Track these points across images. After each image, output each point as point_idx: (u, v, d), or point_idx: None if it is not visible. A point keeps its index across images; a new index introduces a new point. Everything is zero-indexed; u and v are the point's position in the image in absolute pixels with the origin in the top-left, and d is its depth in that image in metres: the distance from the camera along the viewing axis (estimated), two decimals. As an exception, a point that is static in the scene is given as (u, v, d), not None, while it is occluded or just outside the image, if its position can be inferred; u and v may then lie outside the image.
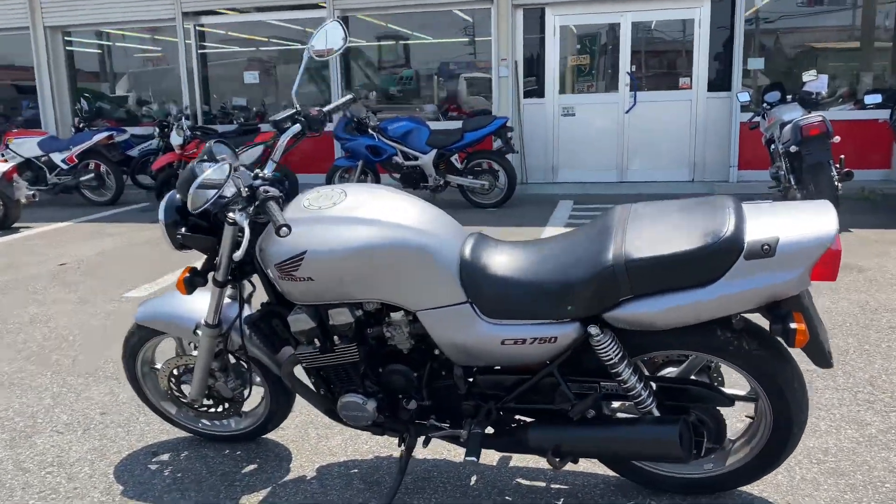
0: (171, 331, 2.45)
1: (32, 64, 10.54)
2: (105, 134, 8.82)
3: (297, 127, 2.22)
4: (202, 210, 2.12)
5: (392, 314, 2.10)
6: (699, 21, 8.67)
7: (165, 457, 2.66)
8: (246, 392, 2.52)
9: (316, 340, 2.14)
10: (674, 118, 8.95)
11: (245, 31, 10.19)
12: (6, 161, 8.62)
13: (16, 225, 7.49)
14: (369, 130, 7.79)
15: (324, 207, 2.06)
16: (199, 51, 10.27)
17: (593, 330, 1.91)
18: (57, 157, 8.69)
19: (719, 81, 8.79)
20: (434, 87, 9.66)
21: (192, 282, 2.15)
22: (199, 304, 2.44)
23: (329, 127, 9.41)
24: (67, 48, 10.78)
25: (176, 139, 8.44)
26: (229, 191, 2.05)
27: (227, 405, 2.61)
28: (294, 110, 2.24)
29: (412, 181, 7.86)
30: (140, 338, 2.54)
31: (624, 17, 8.87)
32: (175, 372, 2.57)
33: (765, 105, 7.06)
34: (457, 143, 7.57)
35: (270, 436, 2.79)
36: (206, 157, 2.13)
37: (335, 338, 2.14)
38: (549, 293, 1.93)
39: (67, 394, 3.24)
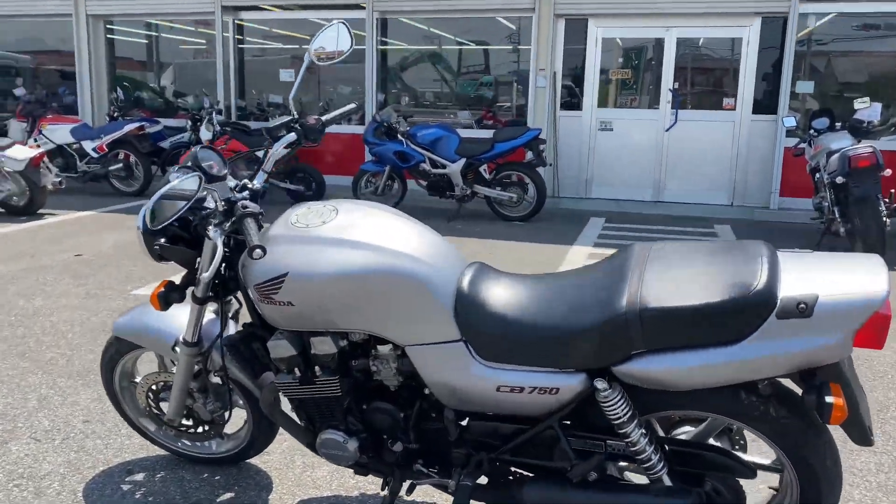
0: (150, 345, 2.29)
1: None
2: (136, 124, 8.80)
3: (293, 136, 2.05)
4: (182, 222, 1.97)
5: (379, 347, 1.91)
6: (748, 40, 8.35)
7: (140, 476, 2.50)
8: (226, 415, 2.35)
9: (297, 370, 1.96)
10: (715, 139, 8.63)
11: (285, 28, 10.13)
12: (38, 146, 8.67)
13: (41, 211, 7.49)
14: (398, 136, 7.63)
15: (311, 226, 1.88)
16: (238, 45, 10.24)
17: (600, 384, 1.70)
18: (88, 146, 8.69)
19: (765, 104, 8.46)
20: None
21: (167, 297, 1.98)
22: (182, 318, 2.28)
23: (358, 130, 9.29)
24: (109, 37, 10.85)
25: (205, 134, 8.39)
26: (211, 202, 1.89)
27: (207, 427, 2.44)
28: (290, 118, 2.07)
29: (439, 189, 7.68)
30: (118, 350, 2.39)
31: (669, 33, 8.59)
32: (154, 388, 2.42)
33: (812, 132, 6.73)
34: (486, 153, 7.37)
35: (254, 461, 2.61)
36: (189, 164, 1.97)
37: (317, 368, 1.95)
38: (552, 338, 1.72)
39: (54, 397, 3.11)
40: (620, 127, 8.90)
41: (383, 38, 9.70)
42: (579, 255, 5.94)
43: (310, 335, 1.92)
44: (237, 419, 2.54)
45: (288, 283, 1.81)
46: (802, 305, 1.52)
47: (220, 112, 9.89)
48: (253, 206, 1.82)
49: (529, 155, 7.52)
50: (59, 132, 8.75)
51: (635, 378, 1.67)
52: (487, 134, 8.63)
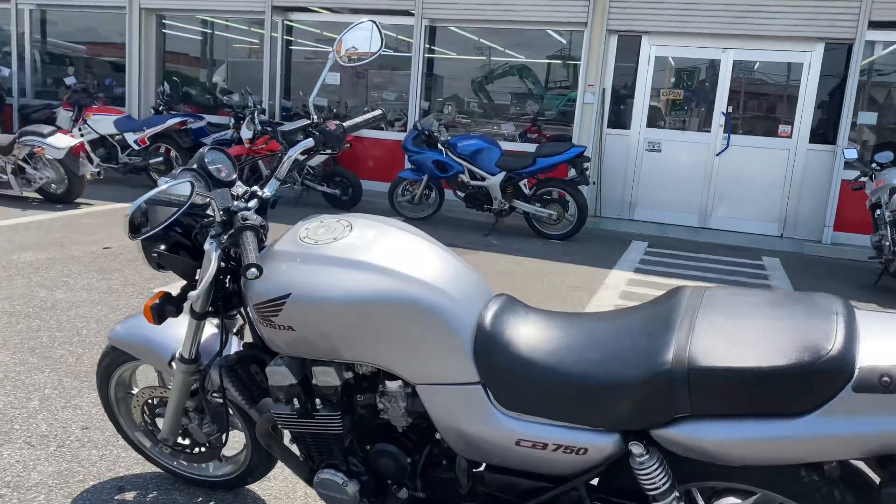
0: (145, 358, 2.13)
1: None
2: (178, 119, 8.79)
3: (310, 142, 1.86)
4: (184, 229, 1.80)
5: (388, 382, 1.71)
6: (808, 66, 7.98)
7: (131, 495, 2.33)
8: (224, 438, 2.17)
9: (296, 400, 1.77)
10: (768, 167, 8.27)
11: (334, 31, 10.06)
12: (82, 136, 8.72)
13: (78, 200, 7.49)
14: (439, 145, 7.45)
15: (321, 242, 1.69)
16: (286, 46, 10.20)
17: (636, 449, 1.47)
18: (130, 137, 8.71)
19: (823, 133, 8.07)
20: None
21: (161, 310, 1.80)
22: (182, 331, 2.11)
23: (399, 137, 9.14)
24: (164, 31, 10.93)
25: (246, 133, 8.33)
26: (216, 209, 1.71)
27: (204, 448, 2.27)
28: (308, 121, 1.89)
29: (476, 202, 7.48)
30: (113, 360, 2.23)
31: (726, 54, 8.26)
32: (150, 402, 2.25)
33: (874, 165, 6.36)
34: (527, 167, 7.14)
35: (253, 487, 2.43)
36: (195, 167, 1.80)
37: (318, 401, 1.76)
38: (584, 391, 1.50)
39: (57, 398, 2.98)
40: (669, 148, 8.59)
41: (430, 46, 9.56)
42: (619, 280, 5.68)
43: (312, 363, 1.73)
44: (237, 442, 2.36)
45: (289, 305, 1.63)
46: (886, 379, 1.28)
47: (262, 112, 9.84)
48: (253, 219, 1.63)
49: (572, 172, 7.27)
50: (103, 122, 8.78)
51: (678, 446, 1.44)
52: (530, 148, 8.42)
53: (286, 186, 8.53)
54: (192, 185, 1.56)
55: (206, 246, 1.66)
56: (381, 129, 9.66)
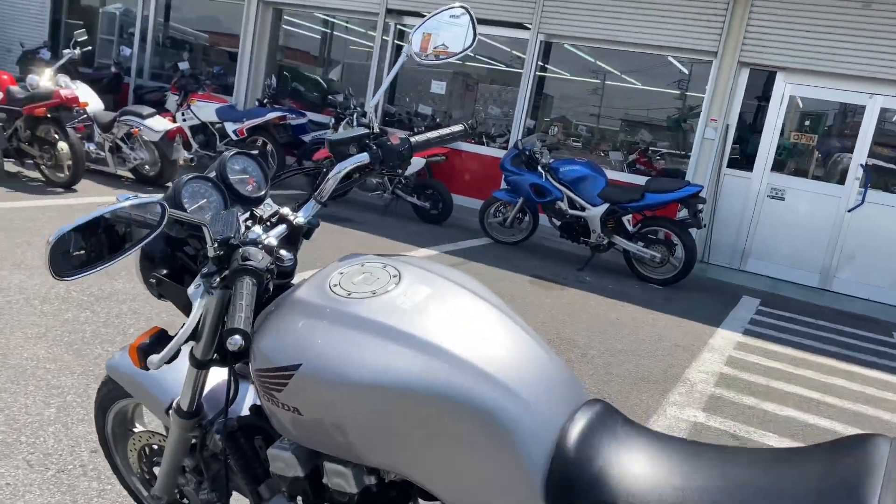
0: (141, 398, 1.74)
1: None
2: (278, 114, 8.67)
3: (363, 157, 1.42)
4: (187, 250, 1.40)
5: (422, 501, 1.23)
6: (974, 121, 7.00)
7: (117, 551, 1.96)
8: (225, 507, 1.75)
9: (301, 499, 1.33)
10: (910, 230, 7.31)
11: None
12: (184, 120, 8.74)
13: (169, 184, 7.42)
14: (539, 168, 6.94)
15: (355, 295, 1.24)
16: (397, 50, 9.97)
17: None
18: (229, 127, 8.65)
19: (983, 199, 7.06)
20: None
21: (149, 353, 1.40)
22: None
23: (499, 154, 8.68)
24: (283, 26, 10.96)
25: (374, 122, 8.09)
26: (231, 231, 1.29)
27: (204, 512, 1.86)
28: (365, 131, 1.45)
29: (573, 233, 6.91)
30: (111, 391, 1.86)
31: (872, 101, 7.37)
32: (149, 447, 1.87)
33: None
34: (634, 202, 6.52)
35: (261, 561, 2.01)
36: (215, 173, 1.39)
37: (329, 505, 1.31)
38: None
39: (76, 409, 2.67)
40: (794, 197, 7.75)
41: (543, 64, 9.07)
42: (725, 342, 4.99)
43: (326, 457, 1.28)
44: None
45: (298, 380, 1.18)
46: None
47: (363, 114, 9.64)
48: (257, 259, 1.18)
49: (683, 213, 6.60)
50: (206, 110, 8.77)
51: None
52: (639, 180, 7.78)
53: (376, 194, 8.23)
54: (163, 207, 1.13)
55: (190, 290, 1.24)
56: (481, 143, 9.25)
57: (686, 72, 8.57)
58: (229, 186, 1.38)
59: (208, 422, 1.60)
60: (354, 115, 8.35)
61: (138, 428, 1.95)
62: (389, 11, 9.70)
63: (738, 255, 7.96)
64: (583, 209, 6.74)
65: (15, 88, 6.56)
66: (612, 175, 7.58)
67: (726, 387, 4.08)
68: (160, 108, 9.04)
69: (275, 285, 1.40)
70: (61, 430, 2.50)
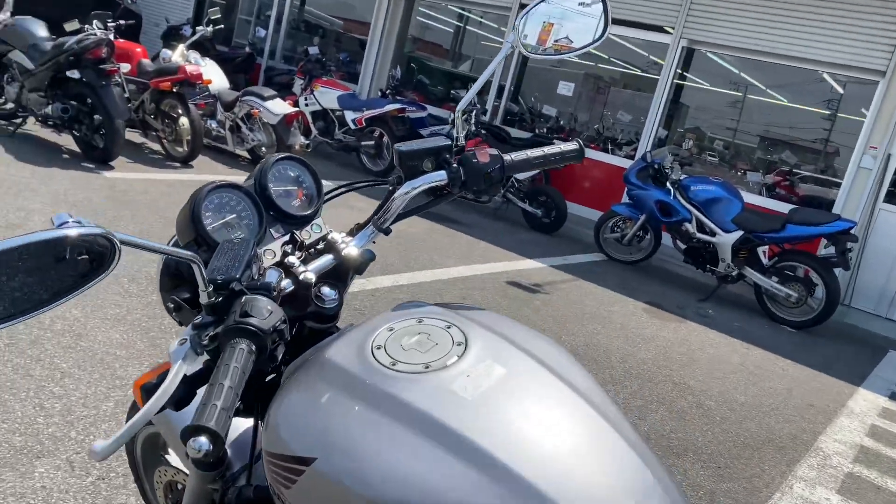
0: (162, 428, 1.48)
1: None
2: (397, 106, 8.50)
3: (441, 175, 1.08)
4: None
5: None
6: None
7: (136, 591, 1.73)
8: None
9: None
10: None
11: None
12: (307, 105, 8.74)
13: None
14: (667, 184, 6.36)
15: (402, 367, 0.89)
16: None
17: None
18: (349, 115, 8.57)
19: None
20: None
21: (151, 393, 1.11)
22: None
23: (625, 164, 8.12)
24: (416, 17, 10.84)
25: (459, 131, 7.80)
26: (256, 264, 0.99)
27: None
28: (446, 142, 1.11)
29: (699, 259, 6.30)
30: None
31: None
32: (175, 485, 1.62)
33: None
34: (773, 232, 5.84)
35: None
36: (253, 181, 1.10)
37: None
38: None
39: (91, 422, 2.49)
40: (963, 242, 6.75)
41: (682, 71, 8.42)
42: (868, 406, 4.30)
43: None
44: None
45: (310, 475, 0.85)
46: None
47: (484, 112, 9.33)
48: (261, 316, 0.84)
49: (829, 250, 5.86)
50: (328, 96, 8.73)
51: None
52: (779, 206, 7.04)
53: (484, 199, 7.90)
54: (112, 243, 0.81)
55: (172, 347, 0.94)
56: (605, 150, 8.71)
57: (841, 91, 7.70)
58: (269, 200, 1.08)
59: (231, 475, 1.31)
60: (474, 112, 8.03)
61: (170, 455, 1.71)
62: (523, 6, 9.32)
63: (887, 302, 7.04)
64: (713, 234, 6.11)
65: (146, 62, 6.70)
66: (748, 198, 6.86)
67: (867, 464, 3.46)
68: (288, 90, 9.10)
69: (312, 330, 1.09)
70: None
